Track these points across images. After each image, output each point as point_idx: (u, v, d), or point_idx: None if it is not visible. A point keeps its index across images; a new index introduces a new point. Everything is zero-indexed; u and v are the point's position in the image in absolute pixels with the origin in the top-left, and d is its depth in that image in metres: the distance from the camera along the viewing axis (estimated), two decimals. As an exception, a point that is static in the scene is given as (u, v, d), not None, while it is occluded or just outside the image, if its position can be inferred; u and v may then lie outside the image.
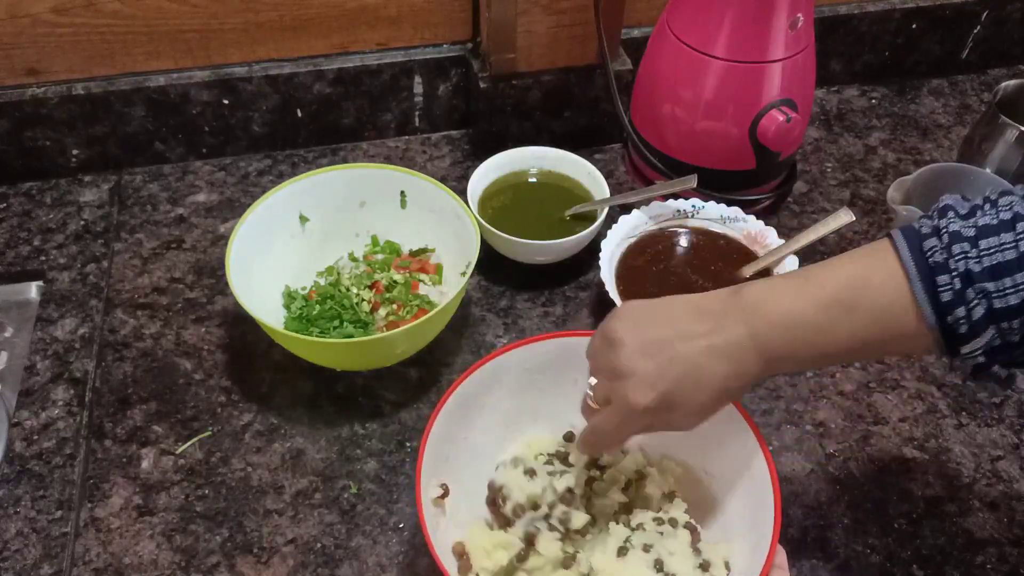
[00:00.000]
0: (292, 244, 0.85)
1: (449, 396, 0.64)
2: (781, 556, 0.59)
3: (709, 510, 0.67)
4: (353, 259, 0.89)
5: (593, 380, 0.62)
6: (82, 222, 0.94)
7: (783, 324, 0.54)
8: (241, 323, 0.84)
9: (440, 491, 0.64)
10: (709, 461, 0.68)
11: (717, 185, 0.91)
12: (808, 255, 0.87)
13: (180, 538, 0.70)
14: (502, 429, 0.70)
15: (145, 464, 0.74)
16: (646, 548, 0.61)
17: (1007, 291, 0.48)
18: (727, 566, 0.62)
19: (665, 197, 0.90)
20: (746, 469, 0.63)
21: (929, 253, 0.50)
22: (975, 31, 1.16)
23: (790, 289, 0.55)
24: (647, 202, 0.90)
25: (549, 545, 0.62)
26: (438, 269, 0.87)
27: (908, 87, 1.17)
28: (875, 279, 0.52)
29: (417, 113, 1.05)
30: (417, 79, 1.01)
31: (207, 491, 0.73)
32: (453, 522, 0.64)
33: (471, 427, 0.68)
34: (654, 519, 0.64)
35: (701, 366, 0.55)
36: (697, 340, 0.55)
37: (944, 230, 0.50)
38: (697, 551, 0.62)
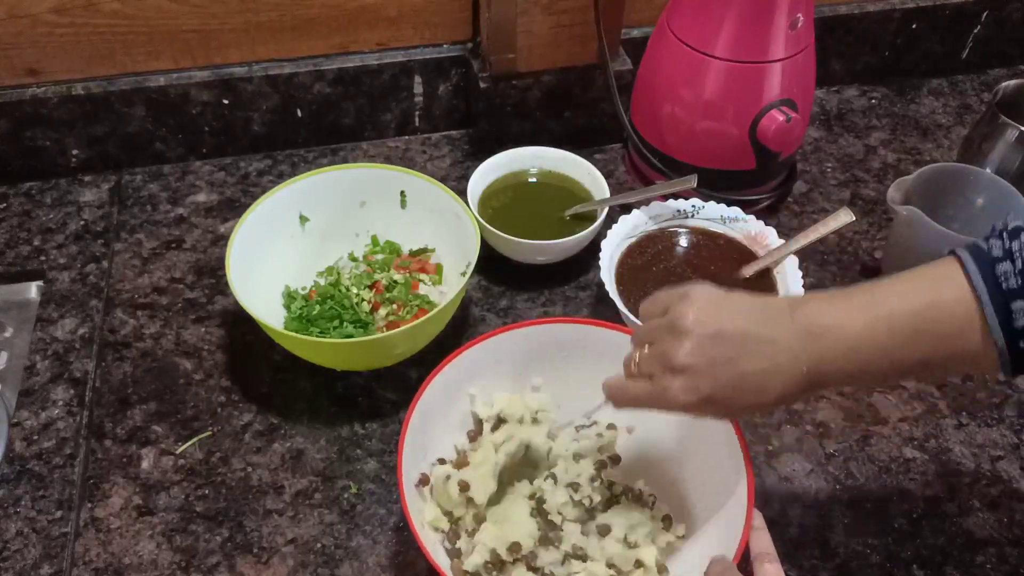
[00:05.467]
0: (292, 244, 0.85)
1: (424, 390, 0.66)
2: (758, 518, 0.60)
3: (682, 486, 0.69)
4: (353, 259, 0.89)
5: (640, 348, 0.59)
6: (82, 222, 0.94)
7: (847, 348, 0.53)
8: (241, 323, 0.84)
9: (419, 478, 0.66)
10: (678, 439, 0.69)
11: (717, 185, 0.91)
12: (808, 255, 0.87)
13: (180, 538, 0.70)
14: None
15: (145, 464, 0.74)
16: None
17: None
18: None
19: (665, 197, 0.90)
20: (714, 437, 0.65)
21: (1003, 278, 0.50)
22: (975, 31, 1.16)
23: (854, 311, 0.54)
24: (647, 202, 0.90)
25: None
26: (438, 269, 0.87)
27: (908, 87, 1.17)
28: (944, 302, 0.51)
29: (417, 113, 1.05)
30: (417, 79, 1.01)
31: (207, 491, 0.73)
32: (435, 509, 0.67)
33: (447, 420, 0.70)
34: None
35: (756, 383, 0.54)
36: (760, 359, 0.54)
37: (1018, 254, 0.50)
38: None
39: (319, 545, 0.70)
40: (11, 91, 0.93)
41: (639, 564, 0.63)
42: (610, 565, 0.64)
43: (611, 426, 0.72)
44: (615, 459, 0.70)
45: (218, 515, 0.71)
